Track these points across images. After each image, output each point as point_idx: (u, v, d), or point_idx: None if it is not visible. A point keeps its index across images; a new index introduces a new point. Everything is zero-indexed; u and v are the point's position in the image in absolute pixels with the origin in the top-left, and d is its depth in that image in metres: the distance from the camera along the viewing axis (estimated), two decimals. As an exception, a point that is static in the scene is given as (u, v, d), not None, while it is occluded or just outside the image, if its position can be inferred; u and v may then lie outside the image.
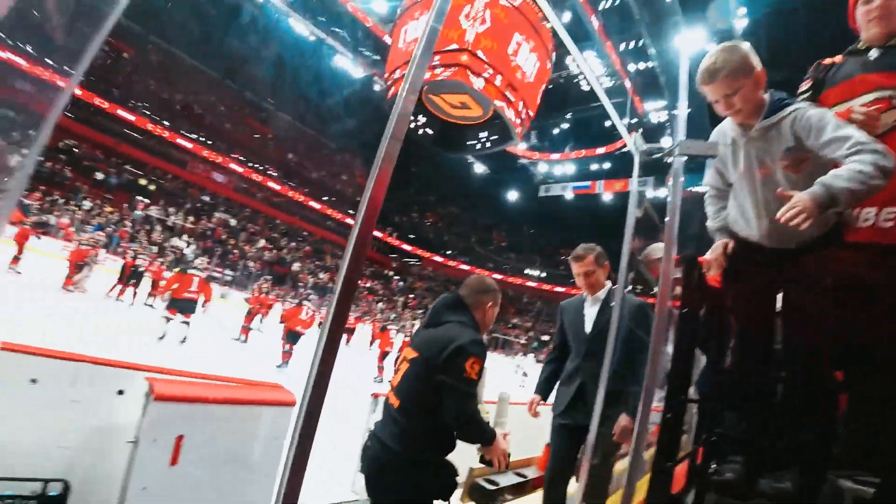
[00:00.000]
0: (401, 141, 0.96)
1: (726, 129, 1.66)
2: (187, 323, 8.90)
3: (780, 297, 1.58)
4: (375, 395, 3.26)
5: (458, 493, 2.18)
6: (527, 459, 2.54)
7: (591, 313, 2.51)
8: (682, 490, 1.71)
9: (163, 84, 29.30)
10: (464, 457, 2.48)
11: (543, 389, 2.65)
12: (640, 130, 1.50)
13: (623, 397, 2.13)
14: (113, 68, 26.54)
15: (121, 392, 2.38)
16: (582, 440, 2.24)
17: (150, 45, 30.19)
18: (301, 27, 25.67)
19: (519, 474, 2.41)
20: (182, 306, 8.91)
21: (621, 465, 3.88)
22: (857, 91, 1.58)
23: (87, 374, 2.33)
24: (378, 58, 25.44)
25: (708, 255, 1.69)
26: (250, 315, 11.79)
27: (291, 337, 9.42)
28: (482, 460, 1.81)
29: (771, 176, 1.56)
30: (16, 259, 11.54)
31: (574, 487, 2.35)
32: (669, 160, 1.51)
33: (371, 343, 17.61)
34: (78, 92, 23.46)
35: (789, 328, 1.56)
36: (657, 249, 2.70)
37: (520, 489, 2.35)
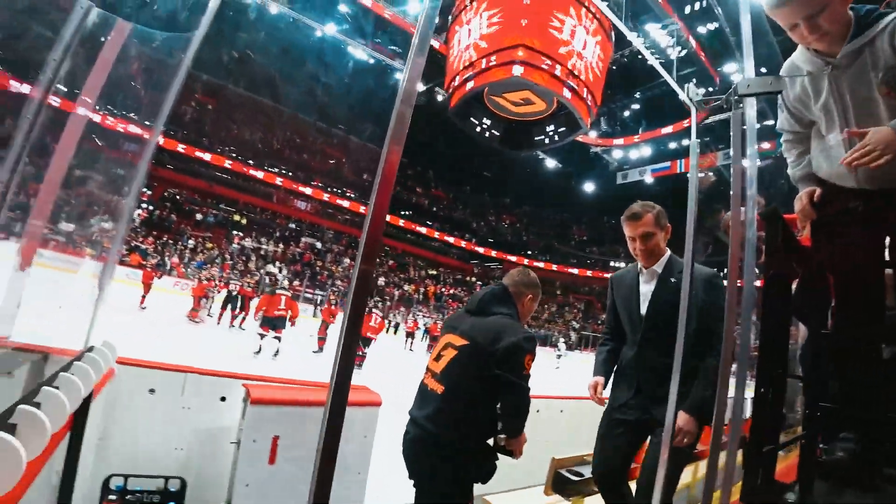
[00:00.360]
0: (411, 108, 0.95)
1: (799, 61, 1.44)
2: (279, 338, 9.77)
3: (885, 245, 1.38)
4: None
5: (541, 485, 2.13)
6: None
7: (646, 290, 2.07)
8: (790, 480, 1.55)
9: (243, 126, 32.00)
10: (541, 449, 2.43)
11: (604, 371, 2.20)
12: (694, 81, 1.37)
13: (686, 390, 1.76)
14: (201, 119, 29.44)
15: (223, 399, 2.61)
16: (640, 437, 2.01)
17: (229, 93, 33.10)
18: (359, 52, 26.78)
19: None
20: (273, 323, 9.77)
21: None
22: None
23: (194, 383, 2.58)
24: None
25: (795, 207, 1.51)
26: (323, 327, 12.35)
27: (363, 342, 10.71)
28: (500, 449, 1.83)
29: (868, 106, 1.31)
30: (143, 297, 12.99)
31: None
32: (729, 107, 1.37)
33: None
34: (181, 148, 26.38)
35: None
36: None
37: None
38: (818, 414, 1.32)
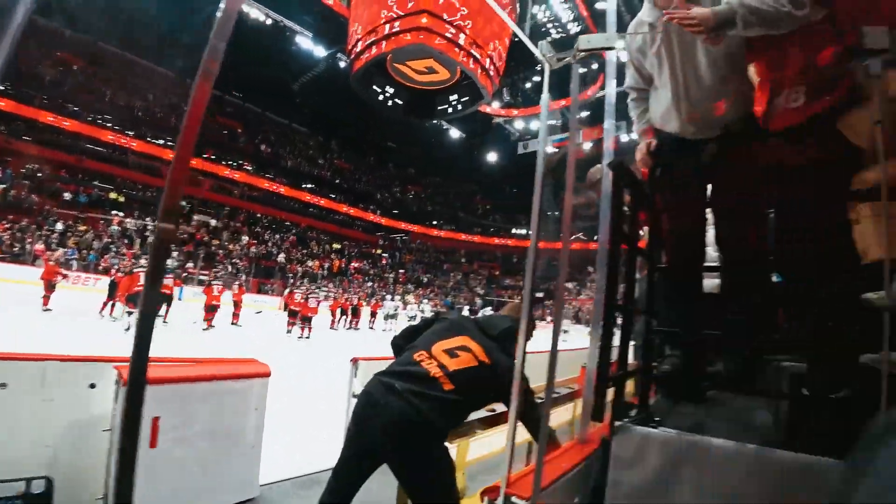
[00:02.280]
0: (224, 42, 0.87)
1: (642, 17, 1.63)
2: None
3: (708, 187, 1.61)
4: (355, 360, 3.32)
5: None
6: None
7: None
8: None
9: (119, 91, 28.42)
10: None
11: None
12: (549, 39, 1.47)
13: None
14: (63, 82, 25.62)
15: (92, 385, 2.40)
16: None
17: (100, 52, 29.13)
18: (256, 13, 24.65)
19: (488, 409, 2.48)
20: (136, 300, 10.25)
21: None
22: None
23: (57, 372, 2.34)
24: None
25: (636, 157, 1.70)
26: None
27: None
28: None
29: (691, 51, 1.52)
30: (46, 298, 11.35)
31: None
32: (574, 62, 1.49)
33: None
34: (49, 119, 22.79)
35: (719, 218, 1.59)
36: (599, 171, 2.71)
37: (492, 421, 2.42)
38: (653, 337, 1.53)
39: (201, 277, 21.16)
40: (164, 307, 11.82)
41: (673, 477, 1.33)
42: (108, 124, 26.19)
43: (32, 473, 2.19)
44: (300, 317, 14.38)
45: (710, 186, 1.64)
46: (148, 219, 24.51)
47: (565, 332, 22.83)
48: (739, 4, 1.26)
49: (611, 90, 1.99)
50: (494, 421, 2.46)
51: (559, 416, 3.39)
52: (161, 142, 28.27)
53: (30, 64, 24.44)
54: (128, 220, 23.70)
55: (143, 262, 13.28)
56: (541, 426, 1.56)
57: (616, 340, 1.54)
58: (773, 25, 1.28)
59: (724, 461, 1.30)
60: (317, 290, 19.25)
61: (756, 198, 1.53)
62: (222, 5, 0.86)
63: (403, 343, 2.09)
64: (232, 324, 13.89)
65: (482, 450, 2.53)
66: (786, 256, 1.55)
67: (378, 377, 1.85)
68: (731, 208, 1.58)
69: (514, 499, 1.25)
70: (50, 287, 11.29)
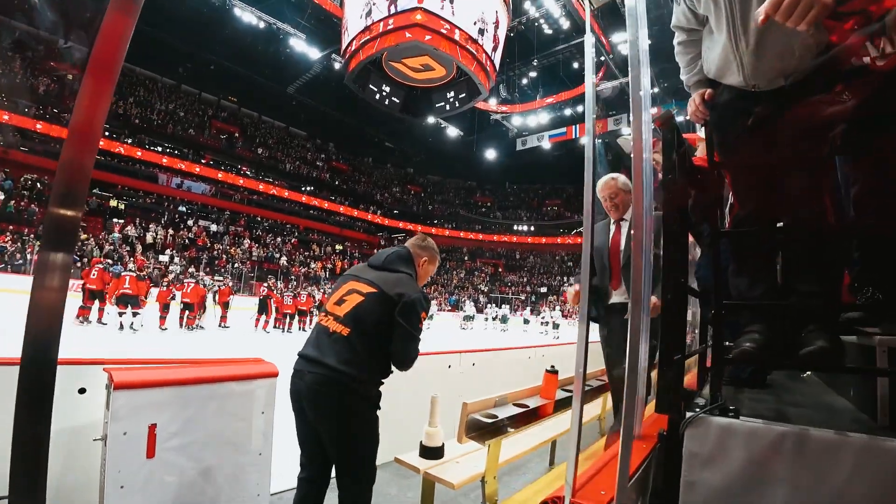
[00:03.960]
0: None
1: None
2: (135, 313, 10.99)
3: (775, 145, 1.38)
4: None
5: (455, 433, 2.04)
6: (527, 390, 2.39)
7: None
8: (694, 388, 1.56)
9: (116, 98, 28.19)
10: (455, 395, 2.35)
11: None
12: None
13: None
14: (60, 91, 25.40)
15: (82, 390, 2.19)
16: None
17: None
18: (249, 16, 24.34)
19: (518, 405, 2.26)
20: (126, 301, 10.85)
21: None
22: None
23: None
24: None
25: (688, 111, 1.48)
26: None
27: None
28: None
29: None
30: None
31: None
32: None
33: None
34: (38, 127, 22.63)
35: (787, 179, 1.37)
36: (629, 142, 2.52)
37: (521, 420, 2.20)
38: (723, 312, 1.31)
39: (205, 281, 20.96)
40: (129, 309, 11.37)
41: (763, 475, 1.11)
42: (106, 133, 25.95)
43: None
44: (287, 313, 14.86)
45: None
46: (151, 225, 24.36)
47: (466, 318, 22.83)
48: None
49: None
50: (525, 419, 2.24)
51: (588, 411, 3.18)
52: (158, 148, 28.10)
53: (24, 74, 24.28)
54: (129, 227, 23.51)
55: (131, 266, 13.02)
56: (571, 421, 1.36)
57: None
58: None
59: (825, 454, 1.08)
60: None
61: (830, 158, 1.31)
62: None
63: None
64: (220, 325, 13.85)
65: (510, 451, 2.33)
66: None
67: (298, 353, 2.02)
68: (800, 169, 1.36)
69: (582, 509, 1.04)
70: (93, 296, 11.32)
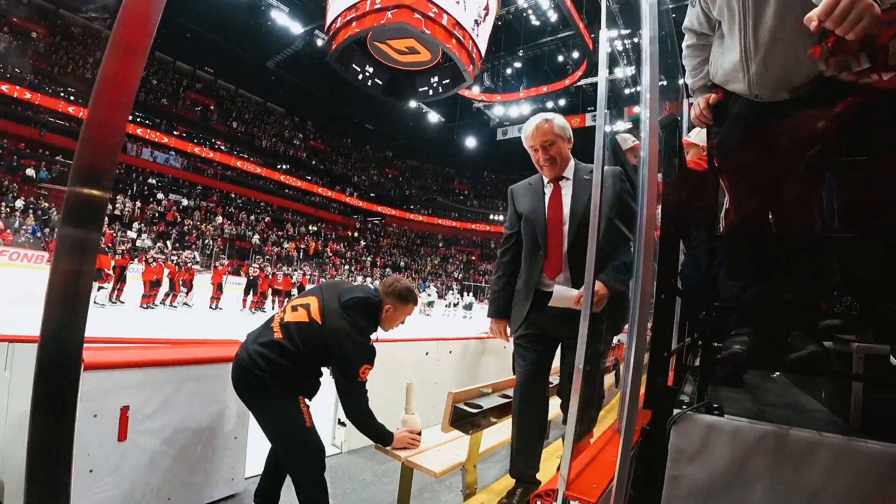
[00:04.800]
0: None
1: None
2: (102, 287, 11.18)
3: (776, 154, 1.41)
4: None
5: (440, 420, 2.05)
6: (510, 380, 2.42)
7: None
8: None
9: (85, 62, 26.84)
10: (441, 383, 2.35)
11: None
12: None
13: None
14: (22, 50, 24.04)
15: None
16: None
17: (63, 21, 27.48)
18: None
19: (504, 395, 2.28)
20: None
21: (608, 380, 3.91)
22: None
23: (5, 357, 2.05)
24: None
25: (692, 114, 1.49)
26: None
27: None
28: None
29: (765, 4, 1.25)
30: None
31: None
32: None
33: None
34: (3, 88, 21.35)
35: (782, 187, 1.40)
36: (626, 139, 2.54)
37: (506, 410, 2.22)
38: (713, 314, 1.34)
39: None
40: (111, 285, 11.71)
41: (745, 471, 1.15)
42: (72, 97, 24.74)
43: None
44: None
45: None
46: (118, 197, 23.45)
47: (428, 303, 23.09)
48: None
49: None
50: (508, 410, 2.26)
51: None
52: (129, 117, 26.93)
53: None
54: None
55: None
56: (574, 417, 1.37)
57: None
58: None
59: (805, 453, 1.13)
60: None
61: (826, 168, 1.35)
62: None
63: None
64: (162, 303, 13.09)
65: (491, 440, 2.36)
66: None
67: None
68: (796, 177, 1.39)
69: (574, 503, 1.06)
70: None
